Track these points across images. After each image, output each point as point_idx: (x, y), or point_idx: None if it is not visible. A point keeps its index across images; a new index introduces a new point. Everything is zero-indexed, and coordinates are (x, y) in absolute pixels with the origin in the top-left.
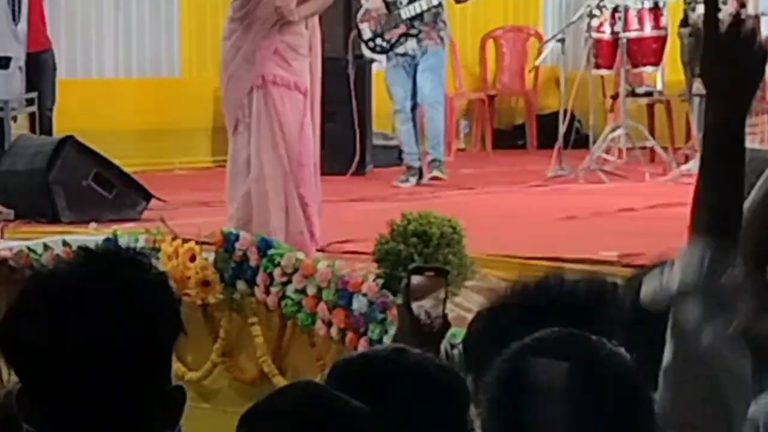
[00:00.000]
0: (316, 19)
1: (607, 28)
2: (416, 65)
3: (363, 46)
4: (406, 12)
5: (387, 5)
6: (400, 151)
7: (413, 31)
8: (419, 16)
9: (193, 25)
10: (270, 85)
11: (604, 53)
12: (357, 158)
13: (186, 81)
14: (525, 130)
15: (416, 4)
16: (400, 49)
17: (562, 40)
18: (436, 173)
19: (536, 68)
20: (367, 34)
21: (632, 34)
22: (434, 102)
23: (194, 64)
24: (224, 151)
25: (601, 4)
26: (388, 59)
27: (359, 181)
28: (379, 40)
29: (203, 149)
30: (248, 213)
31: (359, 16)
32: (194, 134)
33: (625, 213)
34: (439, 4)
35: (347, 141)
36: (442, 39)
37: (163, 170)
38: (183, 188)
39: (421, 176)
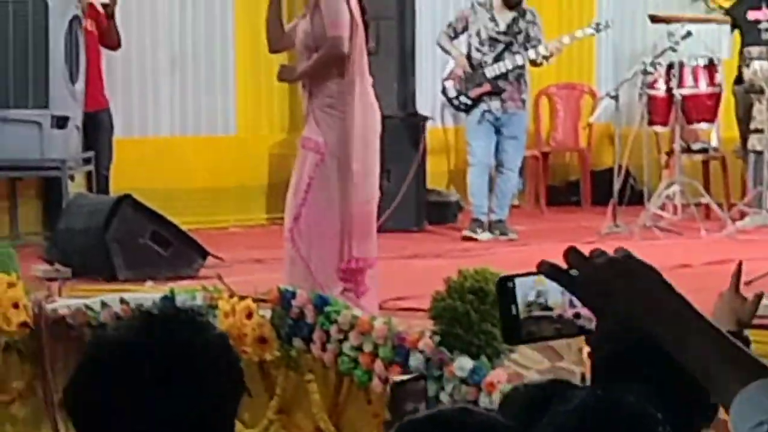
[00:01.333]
0: (355, 71)
1: (661, 85)
2: (500, 127)
3: (447, 104)
4: (490, 71)
5: (472, 64)
6: (456, 208)
7: (497, 90)
8: (503, 76)
9: (248, 84)
10: (302, 147)
11: (659, 110)
12: (410, 215)
13: (241, 139)
14: (579, 187)
15: (501, 63)
16: (483, 106)
17: (616, 97)
18: (496, 234)
19: (590, 125)
20: (451, 93)
21: (687, 91)
22: (513, 166)
23: (250, 123)
24: (279, 208)
25: (656, 61)
26: (471, 115)
27: (414, 237)
28: (463, 98)
29: (258, 207)
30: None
31: (444, 74)
32: (249, 192)
33: (681, 269)
34: (523, 66)
35: (403, 198)
36: (524, 101)
37: (219, 228)
38: (239, 246)
39: (487, 230)
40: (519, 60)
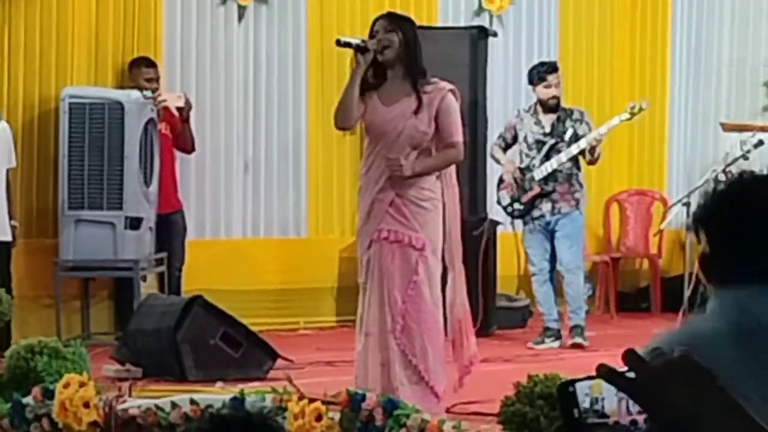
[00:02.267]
0: (451, 173)
1: None
2: (553, 230)
3: (503, 213)
4: (538, 173)
5: (521, 170)
6: (525, 313)
7: (547, 192)
8: (552, 176)
9: (320, 187)
10: (383, 240)
11: None
12: (481, 319)
13: (312, 241)
14: (649, 293)
15: (547, 164)
16: (535, 212)
17: (687, 204)
18: (578, 340)
19: (661, 231)
20: (505, 201)
21: None
22: (573, 267)
23: (320, 225)
24: (348, 311)
25: (727, 169)
26: (525, 223)
27: (483, 342)
28: (516, 205)
29: (328, 309)
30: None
31: (498, 184)
32: (319, 294)
33: None
34: (573, 165)
35: (473, 302)
36: (577, 201)
37: (289, 329)
38: (308, 347)
39: (558, 338)
40: (563, 158)
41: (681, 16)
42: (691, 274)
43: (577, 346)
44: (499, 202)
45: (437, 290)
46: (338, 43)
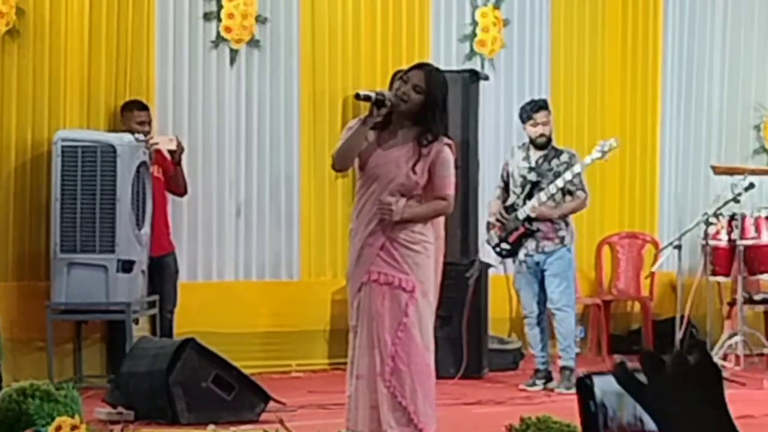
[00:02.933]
0: (440, 224)
1: (723, 236)
2: (542, 269)
3: (493, 253)
4: (522, 212)
5: (506, 209)
6: (517, 355)
7: (531, 231)
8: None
9: (311, 230)
10: (373, 282)
11: (721, 260)
12: (470, 362)
13: (304, 284)
14: (641, 336)
15: (530, 203)
16: (522, 252)
17: (678, 247)
18: (562, 390)
19: (652, 274)
20: (494, 240)
21: (749, 242)
22: (563, 305)
23: (312, 268)
24: (340, 353)
25: (718, 212)
26: (514, 263)
27: (475, 384)
28: (504, 245)
29: (320, 351)
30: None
31: (488, 225)
32: (311, 336)
33: (743, 420)
34: (557, 204)
35: (463, 344)
36: (562, 239)
37: (281, 372)
38: (300, 390)
39: (549, 379)
40: (543, 197)
41: (672, 59)
42: (682, 317)
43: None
44: (488, 242)
45: (428, 332)
46: (357, 96)
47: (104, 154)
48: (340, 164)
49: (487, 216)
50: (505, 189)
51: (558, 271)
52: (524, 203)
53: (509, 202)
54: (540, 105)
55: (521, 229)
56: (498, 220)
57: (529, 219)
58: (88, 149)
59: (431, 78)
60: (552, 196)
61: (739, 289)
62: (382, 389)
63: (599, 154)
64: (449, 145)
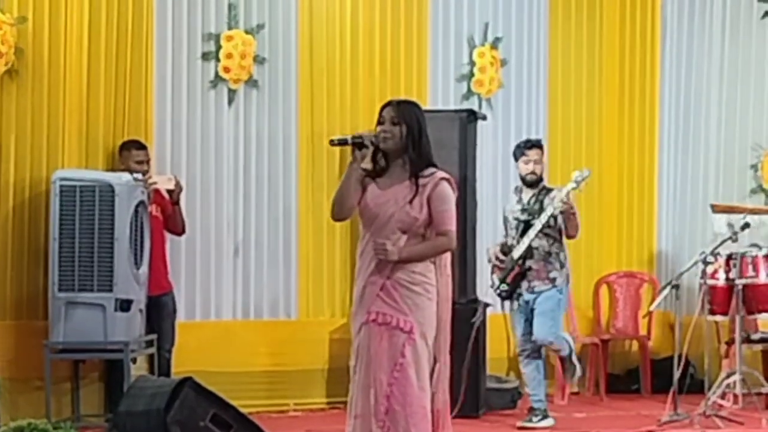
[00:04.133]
0: (446, 261)
1: (721, 275)
2: (532, 309)
3: (495, 295)
4: (516, 252)
5: (503, 251)
6: (515, 394)
7: (523, 271)
8: (529, 254)
9: (310, 269)
10: (372, 322)
11: (719, 299)
12: (468, 401)
13: (302, 323)
14: (639, 375)
15: (525, 239)
16: (519, 290)
17: (676, 286)
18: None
19: (650, 313)
20: (495, 283)
21: (747, 281)
22: (545, 341)
23: (311, 307)
24: (338, 393)
25: (716, 251)
26: (512, 303)
27: (473, 424)
28: (503, 286)
29: (318, 391)
30: None
31: (492, 268)
32: (310, 375)
33: None
34: (552, 243)
35: (460, 384)
36: (553, 280)
37: (279, 411)
38: (298, 429)
39: (546, 416)
40: (531, 234)
41: (669, 99)
42: (680, 356)
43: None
44: (492, 286)
45: (424, 374)
46: (332, 143)
47: (102, 194)
48: (335, 215)
49: (486, 260)
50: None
51: (545, 310)
52: (518, 243)
53: (508, 243)
54: (533, 143)
55: (517, 269)
56: (496, 263)
57: (523, 258)
58: (86, 189)
59: (401, 108)
60: (541, 229)
61: (737, 328)
62: (376, 429)
63: (574, 185)
64: (447, 180)
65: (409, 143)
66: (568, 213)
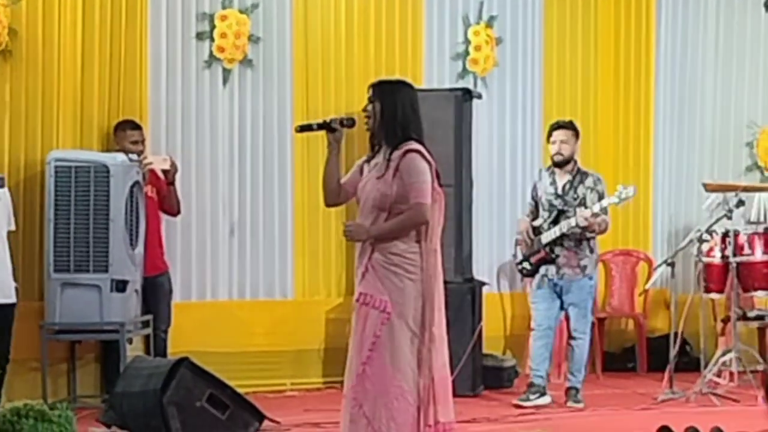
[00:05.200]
0: (431, 236)
1: (717, 253)
2: (561, 293)
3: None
4: (545, 237)
5: (534, 229)
6: (512, 373)
7: (551, 257)
8: (557, 242)
9: (306, 249)
10: (357, 302)
11: (715, 277)
12: (468, 380)
13: (299, 303)
14: (635, 353)
15: (553, 229)
16: (543, 270)
17: (672, 264)
18: (571, 404)
19: (646, 291)
20: (518, 257)
21: (743, 259)
22: (580, 333)
23: (307, 287)
24: (335, 372)
25: (711, 229)
26: (534, 279)
27: (470, 402)
28: (525, 264)
29: (315, 370)
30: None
31: (515, 241)
32: (306, 355)
33: None
34: (585, 230)
35: (458, 363)
36: (584, 268)
37: (276, 391)
38: (295, 409)
39: (543, 394)
40: (564, 227)
41: (664, 77)
42: (676, 334)
43: (572, 409)
44: (514, 257)
45: (401, 354)
46: (297, 129)
47: (97, 174)
48: (325, 199)
49: (515, 233)
50: (536, 207)
51: (578, 301)
52: (549, 228)
53: (537, 222)
54: (560, 124)
55: (542, 253)
56: (524, 240)
57: (550, 245)
58: (81, 169)
59: (378, 87)
60: (573, 227)
61: (733, 306)
62: (350, 408)
63: (616, 200)
64: (415, 151)
65: (384, 121)
66: (590, 229)
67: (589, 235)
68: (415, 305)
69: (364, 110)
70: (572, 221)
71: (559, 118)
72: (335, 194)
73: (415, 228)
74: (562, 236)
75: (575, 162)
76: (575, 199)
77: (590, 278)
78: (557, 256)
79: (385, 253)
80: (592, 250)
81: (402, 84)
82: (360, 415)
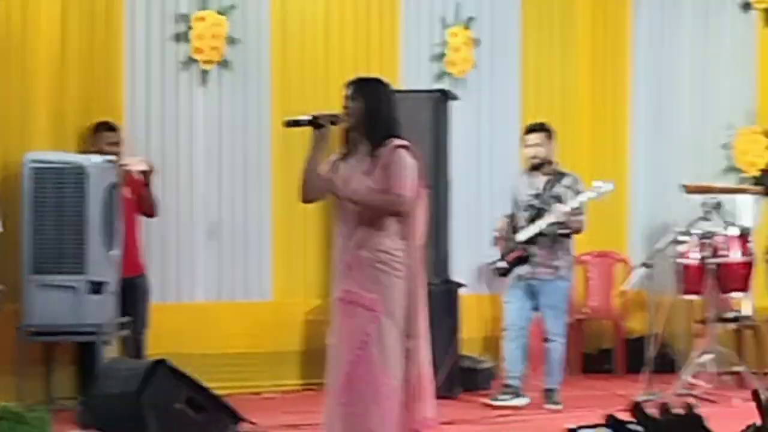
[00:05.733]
0: (414, 233)
1: (694, 255)
2: (536, 293)
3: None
4: (522, 234)
5: (513, 228)
6: (489, 375)
7: (526, 256)
8: (533, 241)
9: (284, 251)
10: (340, 300)
11: (692, 279)
12: (446, 381)
13: (277, 305)
14: (612, 355)
15: (529, 228)
16: (518, 270)
17: (649, 266)
18: (549, 405)
19: (624, 293)
20: (495, 256)
21: (720, 260)
22: (555, 335)
23: (285, 289)
24: (313, 374)
25: (689, 230)
26: (508, 278)
27: (448, 404)
28: (500, 263)
29: (293, 372)
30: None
31: (493, 240)
32: (284, 357)
33: None
34: (561, 234)
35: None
36: (556, 268)
37: (253, 393)
38: (273, 411)
39: (518, 395)
40: (542, 224)
41: (642, 80)
42: (654, 335)
43: (550, 411)
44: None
45: (390, 353)
46: (285, 124)
47: (74, 176)
48: (303, 195)
49: (492, 231)
50: (515, 209)
51: (553, 303)
52: (526, 226)
53: (516, 224)
54: (533, 127)
55: (518, 252)
56: (501, 237)
57: (526, 243)
58: (58, 171)
59: (359, 84)
60: (550, 224)
61: (710, 308)
62: (337, 407)
63: (594, 195)
64: (403, 146)
65: (364, 118)
66: (567, 226)
67: (561, 231)
68: (403, 303)
69: (344, 107)
70: (550, 217)
71: (537, 119)
72: (314, 190)
73: (388, 213)
74: (539, 235)
75: (553, 163)
76: (553, 198)
77: (565, 280)
78: (533, 255)
79: (373, 251)
80: (567, 252)
81: (382, 82)
82: (351, 415)
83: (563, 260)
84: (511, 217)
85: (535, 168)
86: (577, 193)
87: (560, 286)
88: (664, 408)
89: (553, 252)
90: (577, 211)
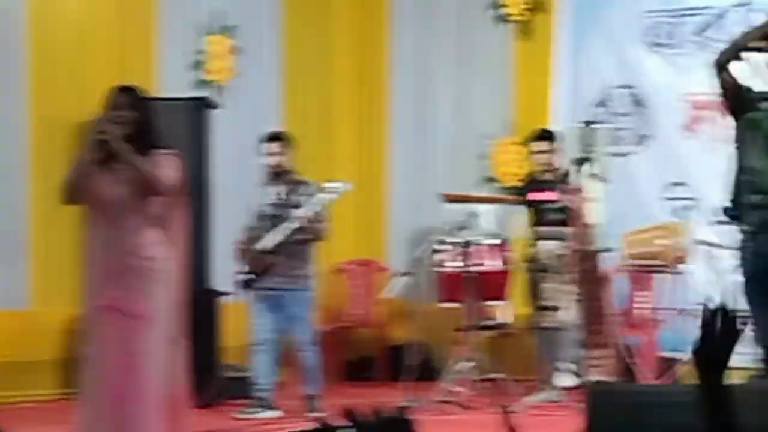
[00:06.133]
0: (177, 234)
1: (452, 263)
2: (281, 305)
3: (230, 283)
4: (262, 244)
5: (250, 240)
6: (250, 384)
7: (265, 266)
8: (275, 250)
9: (42, 259)
10: (102, 308)
11: (451, 287)
12: (203, 390)
13: (33, 314)
14: (374, 362)
15: (273, 235)
16: (261, 284)
17: (409, 274)
18: (311, 413)
19: (384, 301)
20: (237, 269)
21: (479, 269)
22: (304, 345)
23: (43, 297)
24: (70, 383)
25: (447, 239)
26: (253, 292)
27: (208, 413)
28: (242, 275)
29: (50, 381)
30: None
31: (236, 253)
32: (41, 366)
33: None
34: (297, 241)
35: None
36: (298, 278)
37: (9, 403)
38: (30, 421)
39: (271, 408)
40: (282, 232)
41: (402, 90)
42: (414, 343)
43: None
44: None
45: (158, 361)
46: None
47: None
48: (68, 198)
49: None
50: (256, 219)
51: (296, 313)
52: (268, 235)
53: (254, 233)
54: (269, 136)
55: (261, 261)
56: (241, 251)
57: (268, 252)
58: None
59: (135, 95)
60: (293, 231)
61: (469, 316)
62: (105, 417)
63: (332, 195)
64: (174, 155)
65: (138, 129)
66: (308, 232)
67: (301, 237)
68: (168, 310)
69: (116, 114)
70: (290, 224)
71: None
72: (80, 193)
73: (147, 189)
74: (279, 245)
75: (292, 172)
76: (293, 207)
77: (308, 290)
78: (273, 264)
79: (137, 258)
80: (308, 261)
81: (146, 92)
82: (118, 423)
83: (305, 270)
84: (253, 228)
85: (275, 176)
86: (313, 197)
87: (304, 295)
88: (376, 412)
89: (295, 261)
90: (318, 218)
